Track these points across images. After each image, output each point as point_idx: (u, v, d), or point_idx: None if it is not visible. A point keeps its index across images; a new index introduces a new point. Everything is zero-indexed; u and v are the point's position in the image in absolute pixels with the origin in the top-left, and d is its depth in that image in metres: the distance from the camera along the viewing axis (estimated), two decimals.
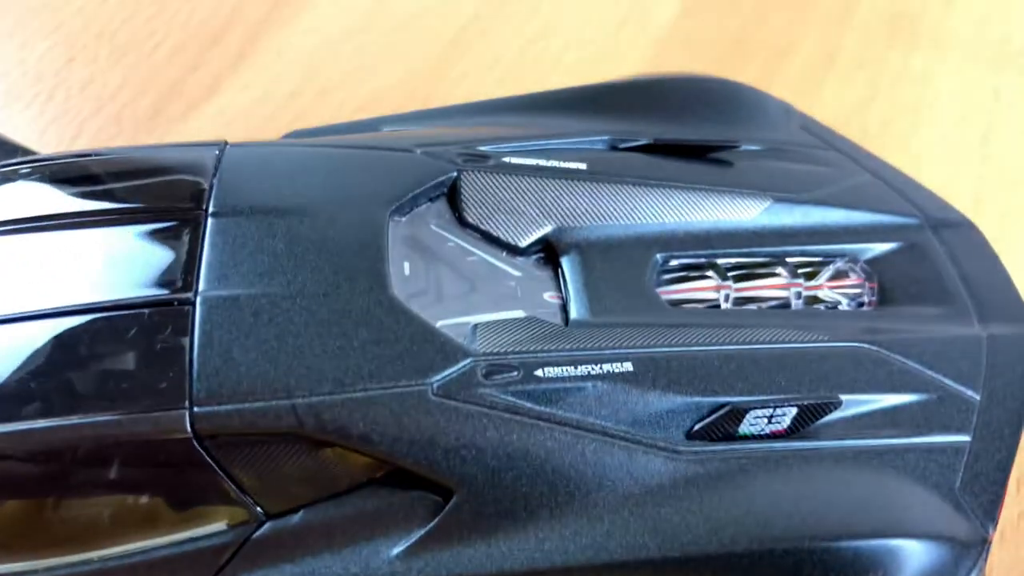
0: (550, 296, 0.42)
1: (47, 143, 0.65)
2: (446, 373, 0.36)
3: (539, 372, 0.37)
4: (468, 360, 0.37)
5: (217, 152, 0.43)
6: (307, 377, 0.36)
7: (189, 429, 0.34)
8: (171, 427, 0.34)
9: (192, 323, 0.36)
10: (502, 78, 0.71)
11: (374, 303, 0.38)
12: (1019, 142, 0.69)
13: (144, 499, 0.36)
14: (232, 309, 0.37)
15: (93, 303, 0.37)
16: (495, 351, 0.38)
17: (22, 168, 0.43)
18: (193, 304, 0.37)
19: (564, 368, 0.37)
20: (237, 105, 0.68)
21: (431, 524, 0.36)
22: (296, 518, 0.36)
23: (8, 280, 0.38)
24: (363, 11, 0.75)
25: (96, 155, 0.44)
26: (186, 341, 0.36)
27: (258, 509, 0.36)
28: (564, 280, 0.42)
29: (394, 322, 0.37)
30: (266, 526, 0.36)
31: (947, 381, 0.41)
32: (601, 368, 0.38)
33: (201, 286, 0.38)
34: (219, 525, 0.36)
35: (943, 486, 0.38)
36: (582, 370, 0.37)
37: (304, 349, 0.36)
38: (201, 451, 0.35)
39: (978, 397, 0.40)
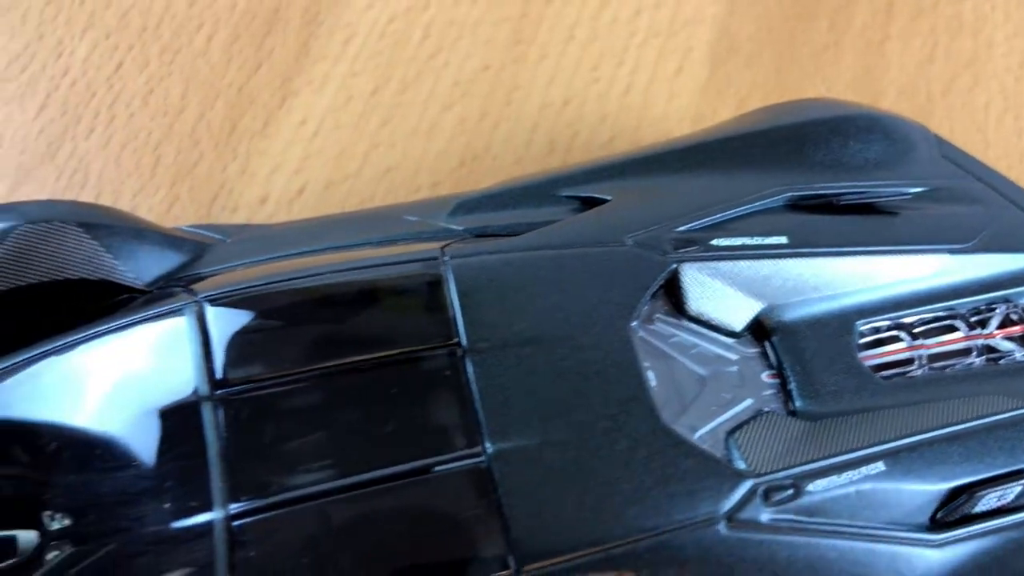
0: (767, 376, 0.45)
1: (124, 170, 0.60)
2: (731, 502, 0.39)
3: (810, 487, 0.40)
4: (748, 483, 0.39)
5: (442, 268, 0.42)
6: (613, 526, 0.37)
7: None
8: None
9: (493, 483, 0.37)
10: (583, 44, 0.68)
11: (651, 436, 0.39)
12: None
13: None
14: (525, 463, 0.38)
15: (389, 472, 0.37)
16: (765, 470, 0.40)
17: (224, 294, 0.41)
18: (488, 462, 0.38)
19: (830, 479, 0.40)
20: (317, 110, 0.64)
21: None
22: None
23: (287, 452, 0.38)
24: None
25: (298, 277, 0.42)
26: (492, 501, 0.37)
27: None
28: (779, 360, 0.44)
29: (675, 455, 0.39)
30: None
31: None
32: (860, 472, 0.41)
33: (487, 440, 0.38)
34: None
35: None
36: (845, 478, 0.40)
37: (603, 498, 0.38)
38: None
39: None
